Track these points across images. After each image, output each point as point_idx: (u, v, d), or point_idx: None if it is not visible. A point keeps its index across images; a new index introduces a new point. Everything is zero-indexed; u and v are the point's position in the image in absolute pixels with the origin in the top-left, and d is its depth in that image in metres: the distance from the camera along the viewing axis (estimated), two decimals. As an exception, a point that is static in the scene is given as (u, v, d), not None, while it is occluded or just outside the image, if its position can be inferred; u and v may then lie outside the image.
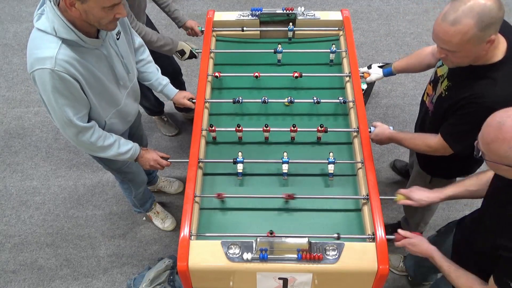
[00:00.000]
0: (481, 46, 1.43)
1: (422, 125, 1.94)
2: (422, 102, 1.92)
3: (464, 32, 1.38)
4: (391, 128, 1.92)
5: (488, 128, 1.20)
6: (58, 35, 1.48)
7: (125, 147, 1.83)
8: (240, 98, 2.02)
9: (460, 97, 1.58)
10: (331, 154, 1.80)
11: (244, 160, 1.81)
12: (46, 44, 1.49)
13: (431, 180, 2.03)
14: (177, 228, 2.70)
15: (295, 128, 1.87)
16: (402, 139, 1.86)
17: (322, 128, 1.87)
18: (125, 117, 1.92)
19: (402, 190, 1.73)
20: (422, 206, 1.70)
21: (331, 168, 1.79)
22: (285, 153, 1.80)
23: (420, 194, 1.67)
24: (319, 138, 1.93)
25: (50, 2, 1.46)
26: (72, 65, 1.52)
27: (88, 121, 1.70)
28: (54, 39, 1.49)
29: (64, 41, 1.50)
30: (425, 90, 1.89)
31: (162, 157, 1.99)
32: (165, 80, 2.10)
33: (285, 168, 1.79)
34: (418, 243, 1.59)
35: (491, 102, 1.49)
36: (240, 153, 1.81)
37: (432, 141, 1.72)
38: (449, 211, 2.72)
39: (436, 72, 1.77)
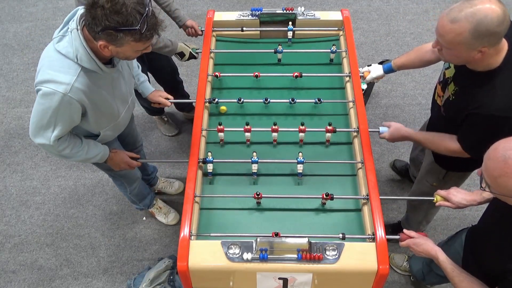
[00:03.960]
0: (472, 52, 1.45)
1: (435, 124, 1.92)
2: (434, 101, 1.90)
3: (458, 33, 1.41)
4: (380, 129, 1.92)
5: (493, 163, 1.18)
6: (79, 63, 1.50)
7: (93, 153, 1.81)
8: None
9: (464, 105, 1.59)
10: (300, 154, 1.80)
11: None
12: (65, 69, 1.50)
13: (445, 175, 2.02)
14: (179, 224, 2.70)
15: (303, 128, 1.88)
16: (420, 140, 1.85)
17: (331, 128, 1.88)
18: (119, 128, 1.95)
19: (441, 192, 1.71)
20: (460, 208, 1.69)
21: (300, 168, 1.79)
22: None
23: (458, 197, 1.65)
24: (327, 141, 1.93)
25: (77, 30, 1.48)
26: (85, 93, 1.55)
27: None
28: (74, 65, 1.51)
29: (83, 68, 1.52)
30: (435, 89, 1.88)
31: (132, 158, 1.99)
32: (143, 77, 2.11)
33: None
34: (423, 243, 1.58)
35: (492, 110, 1.50)
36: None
37: (452, 145, 1.72)
38: (449, 211, 2.72)
39: (444, 74, 1.77)
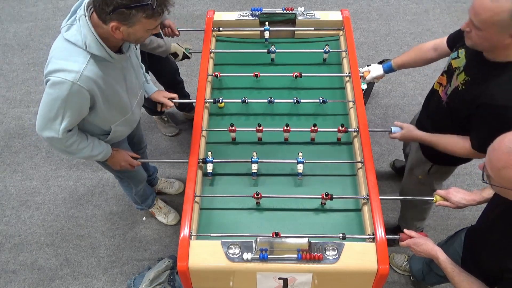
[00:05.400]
0: (503, 36, 1.43)
1: (432, 115, 1.92)
2: (433, 92, 1.89)
3: (496, 12, 1.38)
4: (392, 129, 1.93)
5: (498, 154, 1.17)
6: (88, 50, 1.49)
7: (97, 150, 1.81)
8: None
9: (475, 95, 1.57)
10: (300, 154, 1.80)
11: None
12: (74, 57, 1.49)
13: (431, 168, 2.02)
14: (179, 224, 2.70)
15: (316, 128, 1.88)
16: (432, 143, 1.84)
17: (343, 128, 1.87)
18: (131, 124, 1.94)
19: (440, 192, 1.71)
20: (459, 208, 1.69)
21: (300, 168, 1.79)
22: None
23: (458, 197, 1.66)
24: (339, 139, 1.93)
25: (85, 16, 1.47)
26: (94, 81, 1.53)
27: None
28: (83, 53, 1.50)
29: (93, 56, 1.51)
30: (436, 80, 1.88)
31: (132, 157, 1.99)
32: (147, 77, 2.09)
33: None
34: (424, 243, 1.58)
35: (505, 101, 1.49)
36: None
37: (468, 145, 1.69)
38: (449, 211, 2.72)
39: (450, 64, 1.76)
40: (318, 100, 2.01)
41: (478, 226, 1.63)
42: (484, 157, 1.66)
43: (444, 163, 2.01)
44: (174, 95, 2.10)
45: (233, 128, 1.89)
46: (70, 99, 1.52)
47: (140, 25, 1.44)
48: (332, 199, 1.70)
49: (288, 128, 1.88)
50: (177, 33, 2.50)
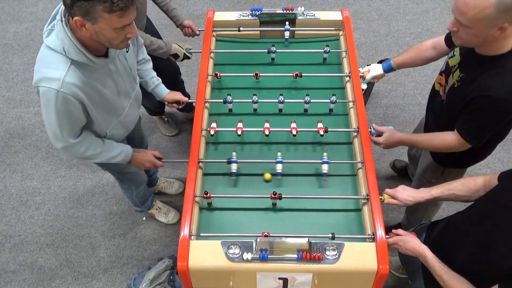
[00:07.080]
0: (492, 30, 1.43)
1: (436, 116, 1.92)
2: (435, 92, 1.90)
3: (482, 8, 1.38)
4: (391, 127, 1.92)
5: None
6: (68, 56, 1.47)
7: (115, 152, 1.82)
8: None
9: (470, 89, 1.58)
10: (325, 154, 1.80)
11: (240, 160, 1.83)
12: (55, 64, 1.48)
13: (443, 171, 2.02)
14: (179, 224, 2.70)
15: (295, 127, 1.87)
16: (415, 142, 1.86)
17: (323, 128, 1.88)
18: (127, 125, 1.93)
19: (387, 190, 1.72)
20: (407, 206, 1.69)
21: (325, 168, 1.79)
22: (279, 153, 1.80)
23: (405, 194, 1.66)
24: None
25: (62, 22, 1.45)
26: (78, 87, 1.51)
27: (82, 133, 1.70)
28: (63, 59, 1.48)
29: (73, 62, 1.49)
30: (436, 80, 1.88)
31: (156, 157, 1.99)
32: (159, 80, 2.10)
33: (279, 168, 1.79)
34: (410, 240, 1.57)
35: (500, 94, 1.50)
36: (234, 153, 1.82)
37: (450, 139, 1.72)
38: (449, 211, 2.72)
39: (447, 63, 1.77)
40: (324, 100, 2.00)
41: (459, 223, 1.60)
42: (466, 148, 1.68)
43: (455, 165, 2.01)
44: (186, 98, 2.13)
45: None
46: (60, 108, 1.52)
47: (104, 22, 1.37)
48: (281, 199, 1.69)
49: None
50: (197, 32, 2.50)
